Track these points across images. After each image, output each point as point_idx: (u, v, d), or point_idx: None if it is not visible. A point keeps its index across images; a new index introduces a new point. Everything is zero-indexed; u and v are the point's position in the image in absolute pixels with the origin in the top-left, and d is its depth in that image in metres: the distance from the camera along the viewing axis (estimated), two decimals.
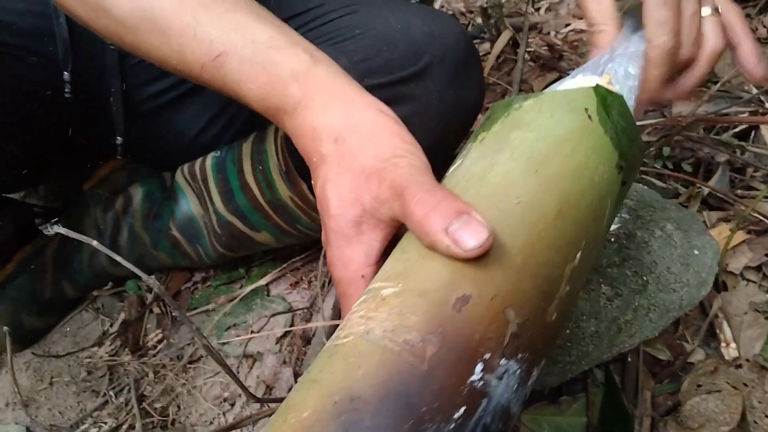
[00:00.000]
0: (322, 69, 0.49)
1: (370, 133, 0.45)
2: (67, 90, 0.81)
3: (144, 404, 0.86)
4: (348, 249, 0.43)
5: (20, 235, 1.00)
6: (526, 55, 1.51)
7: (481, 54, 1.59)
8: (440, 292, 0.35)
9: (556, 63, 1.44)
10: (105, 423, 0.84)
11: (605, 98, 0.44)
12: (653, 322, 0.62)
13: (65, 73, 0.81)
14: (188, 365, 0.90)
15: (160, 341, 0.95)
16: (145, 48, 0.54)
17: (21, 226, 1.00)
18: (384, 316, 0.35)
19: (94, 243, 0.56)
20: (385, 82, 0.78)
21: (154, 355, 0.93)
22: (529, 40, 1.56)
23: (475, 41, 1.61)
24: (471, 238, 0.36)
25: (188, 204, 0.95)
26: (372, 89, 0.78)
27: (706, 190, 0.86)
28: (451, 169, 0.45)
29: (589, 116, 0.43)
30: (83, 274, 1.00)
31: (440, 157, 0.89)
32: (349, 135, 0.45)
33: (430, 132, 0.81)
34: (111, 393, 0.89)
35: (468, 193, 0.40)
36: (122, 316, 0.98)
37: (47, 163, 0.94)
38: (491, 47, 1.51)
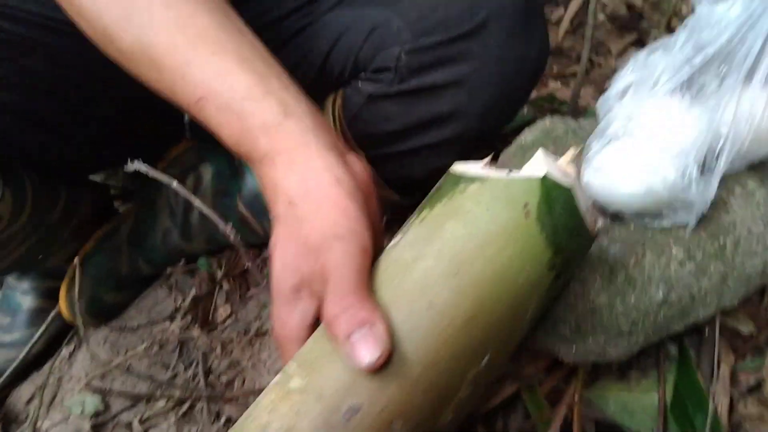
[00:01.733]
0: (292, 124, 0.48)
1: (319, 203, 0.44)
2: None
3: (211, 376, 0.87)
4: (286, 310, 0.44)
5: (99, 215, 1.04)
6: (603, 16, 1.42)
7: (555, 19, 1.52)
8: (334, 398, 0.37)
9: (636, 23, 1.35)
10: (174, 395, 0.86)
11: (549, 192, 0.42)
12: (732, 290, 0.56)
13: None
14: (254, 339, 0.91)
15: (228, 316, 0.97)
16: (145, 79, 0.56)
17: (99, 207, 1.04)
18: (285, 411, 0.37)
19: (174, 183, 0.61)
20: (442, 41, 0.75)
21: (223, 330, 0.94)
22: (606, 1, 1.47)
23: (548, 4, 1.54)
24: (366, 353, 0.37)
25: (253, 179, 0.95)
26: (429, 48, 0.76)
27: None
28: (393, 242, 0.44)
29: (527, 212, 0.42)
30: (157, 252, 1.03)
31: (504, 117, 0.86)
32: (300, 201, 0.45)
33: (490, 91, 0.78)
34: (181, 366, 0.91)
35: (391, 283, 0.41)
36: (193, 291, 1.00)
37: (122, 145, 0.97)
38: (566, 11, 1.44)
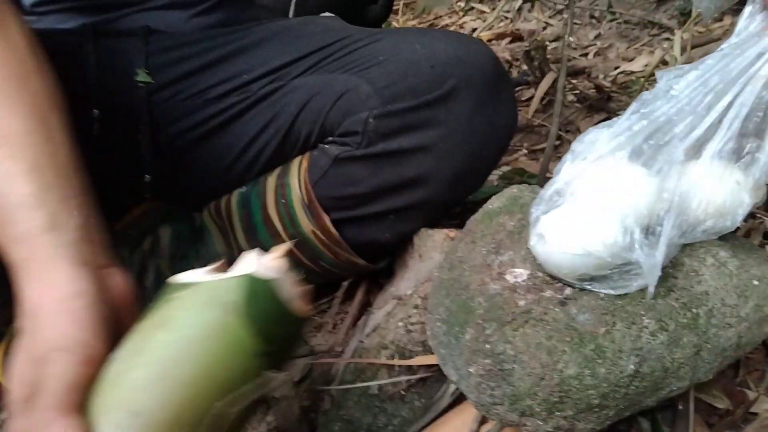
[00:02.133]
0: (50, 237, 0.47)
1: (52, 315, 0.44)
2: (96, 127, 0.81)
3: None
4: (20, 425, 0.43)
5: None
6: (573, 97, 1.46)
7: (526, 98, 1.55)
8: None
9: (604, 104, 1.38)
10: None
11: (254, 287, 0.46)
12: (707, 363, 0.54)
13: (94, 111, 0.81)
14: None
15: None
16: None
17: None
18: None
19: None
20: (410, 107, 0.75)
21: None
22: (577, 83, 1.52)
23: (519, 87, 1.57)
24: None
25: (213, 243, 0.92)
26: (397, 114, 0.75)
27: None
28: (114, 352, 0.45)
29: (232, 309, 0.45)
30: None
31: (471, 184, 0.85)
32: (36, 312, 0.45)
33: (458, 157, 0.77)
34: None
35: (104, 395, 0.42)
36: None
37: None
38: (536, 90, 1.47)
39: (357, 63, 0.80)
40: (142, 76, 0.82)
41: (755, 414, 0.58)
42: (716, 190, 0.56)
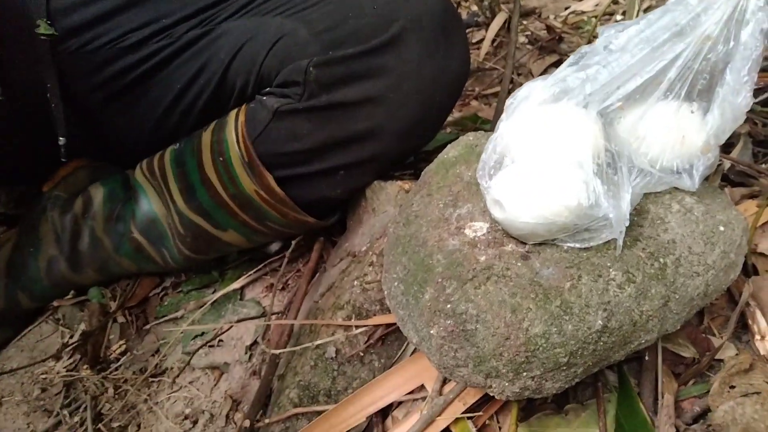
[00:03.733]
0: None
1: None
2: None
3: (100, 424, 0.76)
4: None
5: None
6: (524, 39, 1.42)
7: (476, 40, 1.50)
8: None
9: (555, 45, 1.35)
10: None
11: None
12: (675, 314, 0.52)
13: None
14: (151, 379, 0.81)
15: (123, 353, 0.86)
16: None
17: None
18: None
19: None
20: (354, 53, 0.69)
21: (116, 369, 0.84)
22: (528, 24, 1.47)
23: (469, 29, 1.52)
24: None
25: (149, 203, 0.86)
26: (339, 62, 0.69)
27: (727, 164, 0.75)
28: None
29: None
30: (40, 283, 0.91)
31: (424, 135, 0.80)
32: None
33: (410, 108, 0.72)
34: (65, 412, 0.79)
35: None
36: (82, 326, 0.89)
37: None
38: (487, 32, 1.42)
39: (291, 4, 0.74)
40: (43, 28, 0.73)
41: (720, 361, 0.57)
42: (666, 136, 0.54)
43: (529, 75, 1.31)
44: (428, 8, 0.71)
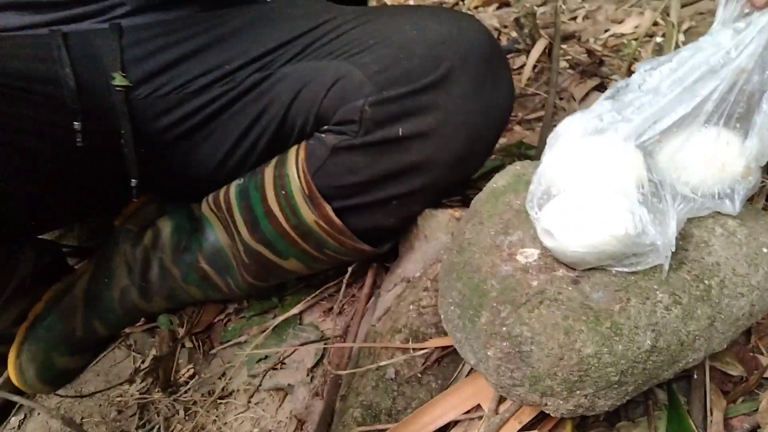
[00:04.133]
0: None
1: None
2: (78, 139, 0.78)
3: None
4: None
5: (49, 274, 0.98)
6: (565, 63, 1.45)
7: (517, 66, 1.54)
8: None
9: (596, 69, 1.37)
10: None
11: None
12: (721, 333, 0.55)
13: (76, 123, 0.78)
14: (219, 401, 0.86)
15: (191, 377, 0.91)
16: None
17: (43, 264, 0.98)
18: None
19: None
20: (406, 92, 0.74)
21: (186, 392, 0.89)
22: (568, 48, 1.50)
23: (510, 55, 1.56)
24: None
25: (215, 235, 0.92)
26: (393, 100, 0.74)
27: None
28: None
29: None
30: (114, 312, 0.97)
31: (472, 166, 0.84)
32: None
33: (458, 141, 0.77)
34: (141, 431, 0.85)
35: None
36: (153, 351, 0.95)
37: (67, 206, 0.92)
38: (527, 58, 1.45)
39: (346, 48, 0.79)
40: (118, 80, 0.79)
41: None
42: (706, 164, 0.57)
43: (571, 99, 1.34)
44: (474, 47, 0.75)
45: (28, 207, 0.81)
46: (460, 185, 0.91)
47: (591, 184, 0.54)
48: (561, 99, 1.34)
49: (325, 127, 0.80)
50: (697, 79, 0.54)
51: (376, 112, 0.74)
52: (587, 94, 1.31)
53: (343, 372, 0.74)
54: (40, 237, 1.04)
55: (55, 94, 0.76)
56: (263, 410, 0.82)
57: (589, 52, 1.43)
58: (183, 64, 0.83)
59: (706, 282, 0.54)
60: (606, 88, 1.14)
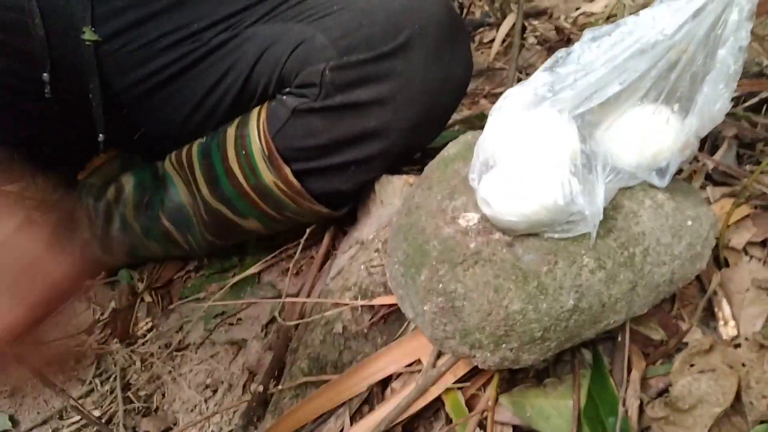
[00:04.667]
0: None
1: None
2: (47, 91, 0.80)
3: (129, 392, 0.84)
4: None
5: None
6: (534, 39, 1.47)
7: (488, 40, 1.56)
8: None
9: (563, 46, 1.39)
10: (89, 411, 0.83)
11: None
12: (642, 298, 0.58)
13: (44, 74, 0.80)
14: (175, 353, 0.89)
15: (149, 330, 0.94)
16: None
17: None
18: None
19: None
20: (366, 59, 0.76)
21: (143, 344, 0.92)
22: (538, 25, 1.53)
23: (481, 29, 1.58)
24: None
25: (177, 192, 0.93)
26: (353, 66, 0.76)
27: (710, 165, 0.81)
28: None
29: None
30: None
31: (429, 134, 0.87)
32: None
33: (415, 109, 0.79)
34: (96, 381, 0.87)
35: None
36: (113, 304, 0.97)
37: (34, 159, 0.93)
38: (497, 33, 1.48)
39: (311, 12, 0.81)
40: (88, 35, 0.81)
41: (687, 344, 0.63)
42: (641, 138, 0.59)
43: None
44: (435, 18, 0.77)
45: None
46: (416, 152, 0.94)
47: (525, 157, 0.57)
48: (527, 74, 1.36)
49: (287, 89, 0.82)
50: (630, 57, 0.57)
51: (336, 77, 0.76)
52: None
53: (293, 323, 0.77)
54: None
55: (24, 44, 0.77)
56: (217, 363, 0.85)
57: (558, 30, 1.46)
58: (152, 21, 0.84)
59: (631, 249, 0.58)
60: None
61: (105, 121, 0.86)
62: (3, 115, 0.78)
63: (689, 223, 0.60)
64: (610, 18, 1.46)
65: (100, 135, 0.87)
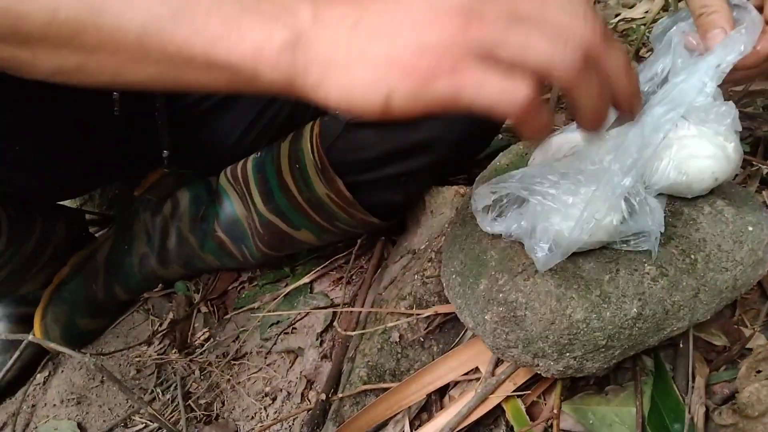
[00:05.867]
0: None
1: None
2: (116, 108, 0.83)
3: (189, 401, 0.86)
4: None
5: (74, 240, 1.03)
6: None
7: None
8: None
9: None
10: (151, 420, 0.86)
11: None
12: (704, 304, 0.58)
13: (114, 92, 0.83)
14: (233, 362, 0.91)
15: (206, 339, 0.96)
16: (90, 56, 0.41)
17: (74, 232, 1.03)
18: None
19: None
20: None
21: (201, 353, 0.94)
22: None
23: None
24: None
25: (232, 205, 0.96)
26: None
27: (765, 170, 0.80)
28: None
29: None
30: (134, 278, 1.02)
31: (477, 145, 0.88)
32: None
33: (463, 123, 0.80)
34: (158, 390, 0.90)
35: None
36: (170, 315, 1.00)
37: (98, 174, 0.97)
38: None
39: None
40: None
41: (750, 350, 0.63)
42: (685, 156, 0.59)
43: None
44: None
45: (64, 173, 0.86)
46: (465, 163, 0.95)
47: (576, 182, 0.56)
48: None
49: None
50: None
51: None
52: None
53: (352, 333, 0.78)
54: (70, 208, 1.09)
55: None
56: (275, 371, 0.87)
57: None
58: None
59: (692, 256, 0.58)
60: None
61: (170, 139, 0.89)
62: (71, 132, 0.81)
63: (750, 228, 0.60)
64: (653, 23, 1.45)
65: (165, 152, 0.90)
